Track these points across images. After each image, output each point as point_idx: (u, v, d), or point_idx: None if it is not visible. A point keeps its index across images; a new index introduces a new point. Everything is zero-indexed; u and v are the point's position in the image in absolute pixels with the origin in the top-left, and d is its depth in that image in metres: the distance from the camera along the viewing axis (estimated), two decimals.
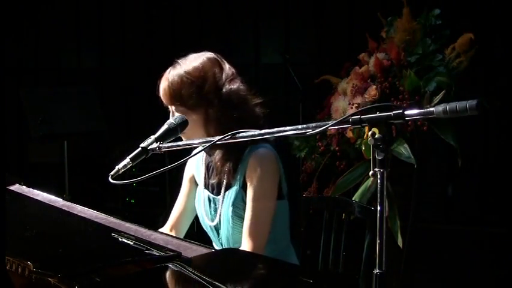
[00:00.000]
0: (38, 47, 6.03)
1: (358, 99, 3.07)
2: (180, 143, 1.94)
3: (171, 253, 1.60)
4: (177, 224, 2.27)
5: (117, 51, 5.95)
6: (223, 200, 2.10)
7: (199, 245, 1.71)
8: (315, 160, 3.34)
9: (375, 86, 3.05)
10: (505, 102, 3.92)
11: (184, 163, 2.28)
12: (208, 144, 1.63)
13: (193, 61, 2.10)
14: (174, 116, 2.05)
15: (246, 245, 2.01)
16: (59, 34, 5.99)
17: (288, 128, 1.46)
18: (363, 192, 3.00)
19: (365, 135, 2.93)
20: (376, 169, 1.27)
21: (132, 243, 1.72)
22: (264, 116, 2.12)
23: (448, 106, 1.20)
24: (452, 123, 2.95)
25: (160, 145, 1.77)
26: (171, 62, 2.13)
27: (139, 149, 1.77)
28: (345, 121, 1.33)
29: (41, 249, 1.70)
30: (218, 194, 2.12)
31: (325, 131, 1.39)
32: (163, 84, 2.09)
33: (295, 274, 1.65)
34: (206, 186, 2.19)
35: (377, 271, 1.26)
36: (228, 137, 1.57)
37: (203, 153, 2.20)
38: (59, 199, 2.20)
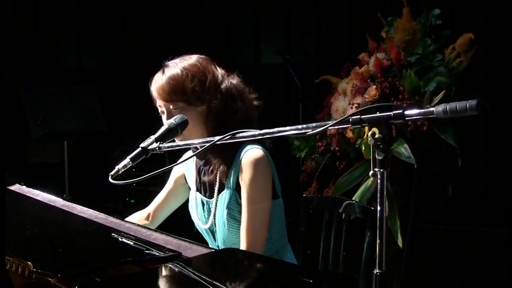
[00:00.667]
0: (38, 47, 6.03)
1: (358, 99, 3.07)
2: (180, 143, 1.94)
3: (171, 253, 1.60)
4: (154, 214, 2.30)
5: (117, 51, 5.95)
6: (217, 203, 2.09)
7: (199, 245, 1.71)
8: (315, 160, 3.34)
9: (374, 86, 3.05)
10: (505, 102, 3.93)
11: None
12: (208, 145, 1.62)
13: (187, 60, 2.09)
14: (164, 117, 2.05)
15: (244, 248, 2.00)
16: (59, 34, 5.99)
17: (288, 128, 1.46)
18: (363, 192, 3.00)
19: (365, 135, 2.93)
20: (376, 169, 1.27)
21: (132, 243, 1.72)
22: (262, 107, 2.13)
23: (448, 106, 1.20)
24: (452, 123, 2.95)
25: (160, 145, 1.77)
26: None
27: (139, 149, 1.77)
28: (345, 121, 1.33)
29: (41, 249, 1.70)
30: (211, 196, 2.11)
31: (325, 131, 1.39)
32: (159, 83, 2.04)
33: (295, 274, 1.65)
34: (198, 189, 2.18)
35: (377, 271, 1.26)
36: (228, 137, 1.56)
37: (193, 157, 2.20)
38: (59, 199, 2.19)
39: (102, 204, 5.13)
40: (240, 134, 1.56)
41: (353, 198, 2.92)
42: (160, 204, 2.31)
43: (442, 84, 2.99)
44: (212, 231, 2.15)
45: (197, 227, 2.23)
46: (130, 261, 1.56)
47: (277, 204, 2.10)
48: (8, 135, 5.64)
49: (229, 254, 1.81)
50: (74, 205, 2.10)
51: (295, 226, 2.38)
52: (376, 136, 1.27)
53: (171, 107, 2.05)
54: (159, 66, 2.11)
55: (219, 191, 2.08)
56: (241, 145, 2.03)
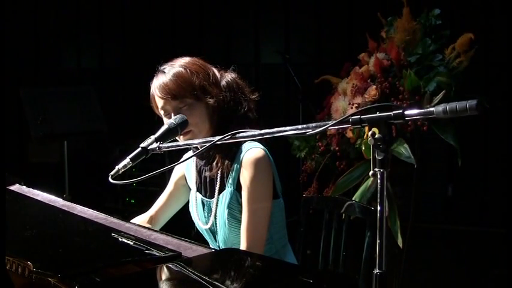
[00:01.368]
0: (38, 47, 6.03)
1: (358, 99, 3.07)
2: (180, 142, 1.94)
3: (171, 253, 1.60)
4: (156, 217, 2.29)
5: (117, 51, 5.95)
6: (217, 203, 2.09)
7: (199, 245, 1.71)
8: (315, 160, 3.34)
9: (374, 86, 3.05)
10: (505, 102, 3.93)
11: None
12: (208, 145, 1.62)
13: (184, 60, 2.09)
14: (166, 117, 2.05)
15: (244, 247, 2.00)
16: (59, 34, 5.99)
17: (288, 128, 1.46)
18: (363, 192, 3.00)
19: (365, 135, 2.93)
20: (376, 169, 1.27)
21: (132, 243, 1.72)
22: (262, 107, 2.14)
23: (448, 106, 1.20)
24: (452, 123, 2.95)
25: (160, 145, 1.77)
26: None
27: (139, 149, 1.77)
28: (345, 121, 1.33)
29: (41, 249, 1.70)
30: (211, 196, 2.11)
31: (325, 131, 1.39)
32: (164, 83, 2.02)
33: (295, 274, 1.65)
34: (199, 190, 2.18)
35: (377, 271, 1.26)
36: (228, 137, 1.56)
37: (194, 157, 2.20)
38: (59, 199, 2.19)
39: (102, 204, 5.14)
40: (240, 134, 1.56)
41: (353, 198, 2.92)
42: (162, 206, 2.30)
43: (442, 84, 2.99)
44: (213, 232, 2.15)
45: (197, 228, 2.23)
46: (130, 261, 1.56)
47: (278, 204, 2.10)
48: (8, 135, 5.64)
49: (229, 254, 1.81)
50: (74, 205, 2.10)
51: (295, 226, 2.38)
52: (376, 136, 1.27)
53: (179, 104, 2.02)
54: (159, 66, 2.11)
55: (220, 191, 2.08)
56: (242, 145, 2.04)
